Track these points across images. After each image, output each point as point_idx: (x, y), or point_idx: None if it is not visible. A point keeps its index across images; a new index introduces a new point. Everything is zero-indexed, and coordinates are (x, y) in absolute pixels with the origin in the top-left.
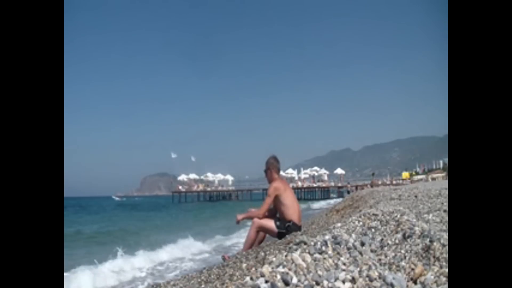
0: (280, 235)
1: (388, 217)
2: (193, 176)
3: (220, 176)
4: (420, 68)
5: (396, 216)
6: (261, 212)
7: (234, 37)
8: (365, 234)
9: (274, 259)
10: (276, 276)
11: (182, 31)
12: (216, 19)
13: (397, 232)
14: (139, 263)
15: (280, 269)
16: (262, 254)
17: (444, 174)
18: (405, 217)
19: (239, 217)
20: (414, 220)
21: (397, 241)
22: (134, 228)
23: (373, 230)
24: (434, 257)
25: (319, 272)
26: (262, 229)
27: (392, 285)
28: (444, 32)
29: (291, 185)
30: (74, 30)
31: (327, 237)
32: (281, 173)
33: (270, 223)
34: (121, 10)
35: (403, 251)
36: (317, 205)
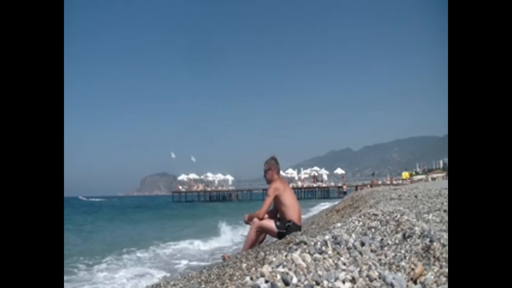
0: (280, 235)
1: (388, 217)
2: (193, 176)
3: (220, 176)
4: (420, 68)
5: (396, 216)
6: (261, 213)
7: (233, 37)
8: (365, 234)
9: (274, 259)
10: (276, 276)
11: (181, 31)
12: (216, 19)
13: (397, 232)
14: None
15: (280, 269)
16: (262, 254)
17: (444, 174)
18: (405, 217)
19: (246, 216)
20: (414, 220)
21: (397, 241)
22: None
23: (373, 230)
24: (434, 257)
25: (319, 272)
26: (262, 229)
27: (392, 285)
28: (444, 31)
29: (291, 185)
30: (73, 30)
31: (327, 237)
32: (281, 173)
33: (270, 223)
34: (121, 10)
35: (403, 251)
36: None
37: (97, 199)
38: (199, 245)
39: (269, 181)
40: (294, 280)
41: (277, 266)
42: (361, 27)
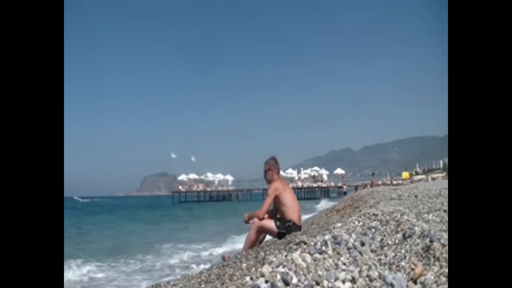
0: (280, 235)
1: (388, 217)
2: (193, 176)
3: (220, 176)
4: (420, 67)
5: (396, 216)
6: (261, 212)
7: (233, 36)
8: (365, 234)
9: (274, 259)
10: (276, 276)
11: (182, 28)
12: (216, 15)
13: (397, 232)
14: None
15: (280, 269)
16: (262, 254)
17: (444, 174)
18: (405, 217)
19: (246, 216)
20: (414, 220)
21: (397, 241)
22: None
23: (373, 230)
24: (434, 257)
25: (319, 272)
26: (262, 229)
27: (392, 285)
28: (445, 31)
29: (291, 185)
30: (72, 25)
31: (327, 237)
32: (281, 173)
33: (270, 223)
34: (119, 7)
35: (403, 251)
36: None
37: (93, 200)
38: (213, 249)
39: (269, 181)
40: (294, 280)
41: (277, 266)
42: (362, 25)
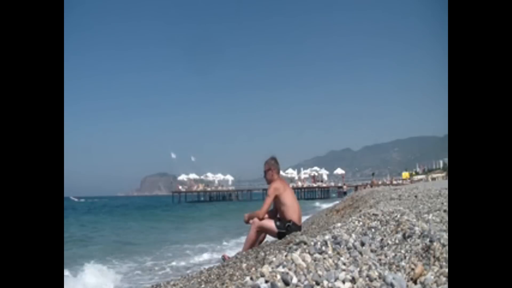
0: (280, 235)
1: (388, 217)
2: (193, 176)
3: (220, 176)
4: (420, 68)
5: (396, 216)
6: (261, 212)
7: (233, 36)
8: (365, 234)
9: (274, 259)
10: (276, 276)
11: (182, 28)
12: (216, 15)
13: (397, 232)
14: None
15: (280, 269)
16: (262, 254)
17: (444, 174)
18: (405, 217)
19: (246, 216)
20: (414, 220)
21: (397, 241)
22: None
23: (373, 230)
24: (434, 257)
25: (319, 272)
26: (262, 229)
27: (392, 285)
28: (445, 32)
29: (291, 185)
30: (72, 25)
31: (327, 237)
32: (281, 173)
33: (270, 223)
34: (121, 7)
35: (403, 251)
36: None
37: (94, 200)
38: (213, 249)
39: (269, 181)
40: (294, 280)
41: (277, 266)
42: (361, 25)
